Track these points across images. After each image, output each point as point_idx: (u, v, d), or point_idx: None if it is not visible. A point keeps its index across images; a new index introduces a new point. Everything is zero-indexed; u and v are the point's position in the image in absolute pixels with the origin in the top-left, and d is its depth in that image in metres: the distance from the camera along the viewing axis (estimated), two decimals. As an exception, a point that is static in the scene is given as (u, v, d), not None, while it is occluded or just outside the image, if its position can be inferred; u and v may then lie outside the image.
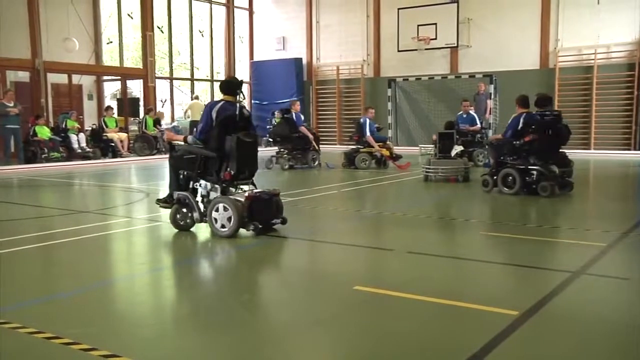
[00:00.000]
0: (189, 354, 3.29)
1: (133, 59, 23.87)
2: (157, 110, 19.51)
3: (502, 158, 9.12)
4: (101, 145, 16.66)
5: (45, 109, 16.98)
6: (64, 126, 16.29)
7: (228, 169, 6.22)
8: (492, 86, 16.83)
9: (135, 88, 21.01)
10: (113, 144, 16.73)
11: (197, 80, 23.08)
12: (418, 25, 19.13)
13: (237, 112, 6.34)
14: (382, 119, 20.24)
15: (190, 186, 6.46)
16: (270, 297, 4.46)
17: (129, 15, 21.12)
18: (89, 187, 11.67)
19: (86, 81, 20.00)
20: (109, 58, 21.76)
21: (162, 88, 21.50)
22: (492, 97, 16.74)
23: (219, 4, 22.89)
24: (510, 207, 8.30)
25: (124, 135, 17.32)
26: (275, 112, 21.47)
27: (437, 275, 4.93)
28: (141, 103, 19.95)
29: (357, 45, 21.34)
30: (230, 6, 23.10)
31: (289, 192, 9.46)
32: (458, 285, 4.61)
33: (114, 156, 16.50)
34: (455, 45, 18.87)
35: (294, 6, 22.53)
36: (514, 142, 8.94)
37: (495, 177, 9.09)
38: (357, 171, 12.97)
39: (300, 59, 22.45)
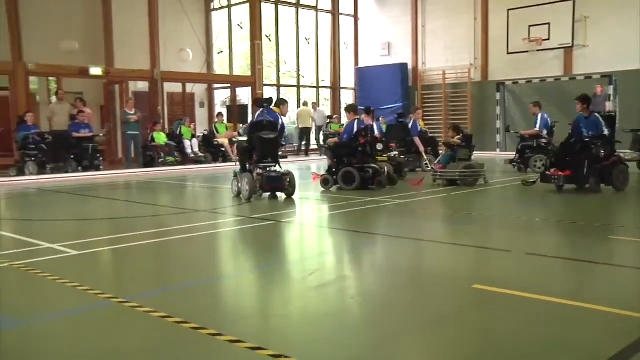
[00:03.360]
0: (306, 348, 3.28)
1: (241, 69, 24.72)
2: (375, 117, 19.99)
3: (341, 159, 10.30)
4: (212, 150, 17.34)
5: (162, 116, 17.93)
6: (178, 132, 17.11)
7: (254, 156, 9.20)
8: (611, 87, 15.82)
9: (244, 95, 21.73)
10: (223, 149, 17.36)
11: (302, 87, 23.49)
12: (529, 26, 18.39)
13: (264, 119, 9.28)
14: (491, 124, 19.65)
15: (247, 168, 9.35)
16: (388, 295, 4.38)
17: (238, 25, 21.93)
18: (201, 188, 12.15)
19: (198, 90, 20.96)
20: (219, 67, 22.67)
21: (269, 95, 22.06)
22: (612, 98, 15.72)
23: (325, 11, 23.22)
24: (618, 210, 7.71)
25: (233, 141, 17.94)
26: (380, 118, 21.53)
27: (561, 277, 4.64)
28: (249, 110, 20.58)
29: (464, 48, 20.84)
30: (335, 13, 23.37)
31: (396, 196, 9.37)
32: (585, 288, 4.31)
33: (225, 160, 17.10)
34: (570, 45, 17.94)
35: (399, 11, 22.40)
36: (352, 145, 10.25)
37: (335, 176, 10.23)
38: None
39: (406, 64, 22.27)
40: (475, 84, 20.68)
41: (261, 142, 9.11)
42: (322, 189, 10.26)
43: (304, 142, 20.56)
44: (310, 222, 7.70)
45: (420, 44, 22.08)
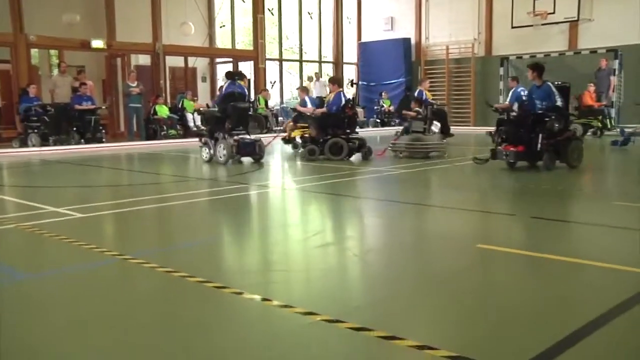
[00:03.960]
0: (310, 301, 3.31)
1: (243, 44, 24.53)
2: (266, 91, 19.94)
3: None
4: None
5: (164, 91, 17.85)
6: (180, 105, 17.06)
7: (227, 124, 9.87)
8: (616, 62, 15.71)
9: (246, 70, 21.60)
10: (226, 123, 17.27)
11: (305, 61, 23.34)
12: (534, 0, 18.19)
13: (234, 90, 10.00)
14: (494, 99, 19.52)
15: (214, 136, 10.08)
16: (396, 254, 4.40)
17: (241, -1, 21.72)
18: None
19: (200, 64, 20.83)
20: (221, 42, 22.50)
21: (271, 70, 21.94)
22: (617, 73, 15.62)
23: (328, -15, 22.99)
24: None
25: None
26: (383, 93, 21.45)
27: (566, 238, 4.66)
28: (252, 84, 20.47)
29: (468, 23, 20.64)
30: (338, -13, 23.13)
31: (406, 165, 9.38)
32: (591, 247, 4.33)
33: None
34: (576, 19, 17.75)
35: (402, -15, 22.17)
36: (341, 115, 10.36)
37: (321, 147, 10.24)
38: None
39: (409, 39, 22.08)
40: (479, 59, 20.52)
41: (235, 111, 9.91)
42: (309, 158, 10.30)
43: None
44: (314, 189, 7.71)
45: (424, 18, 21.86)
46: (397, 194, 7.22)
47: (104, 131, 15.04)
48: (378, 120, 20.84)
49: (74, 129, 14.32)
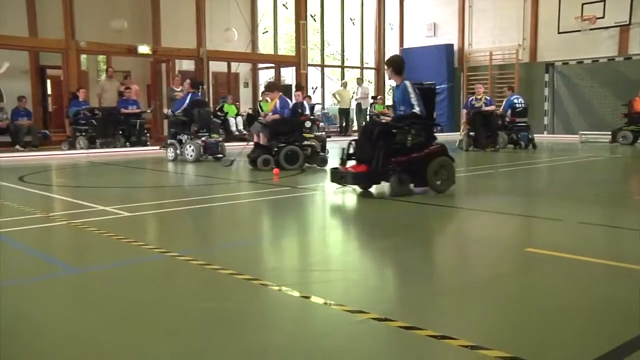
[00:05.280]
0: (354, 298, 3.28)
1: (285, 50, 24.73)
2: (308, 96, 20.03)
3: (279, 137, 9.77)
4: (256, 129, 17.40)
5: (207, 95, 18.11)
6: (222, 110, 17.26)
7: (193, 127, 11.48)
8: (669, 67, 15.23)
9: (288, 76, 21.75)
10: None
11: (347, 67, 23.37)
12: (583, 4, 17.78)
13: (199, 98, 11.75)
14: (539, 106, 19.19)
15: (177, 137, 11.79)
16: (442, 257, 4.34)
17: (284, 5, 21.92)
18: (244, 163, 12.23)
19: (242, 70, 21.07)
20: (263, 48, 22.73)
21: (313, 76, 22.05)
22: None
23: (370, -9, 23.00)
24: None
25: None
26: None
27: (618, 243, 4.51)
28: (293, 90, 20.58)
29: (513, 29, 20.33)
30: (381, -7, 23.11)
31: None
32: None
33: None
34: (628, 23, 17.26)
35: (445, -9, 22.01)
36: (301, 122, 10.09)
37: (275, 156, 9.62)
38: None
39: (452, 45, 21.88)
40: (523, 65, 20.17)
41: (201, 115, 11.58)
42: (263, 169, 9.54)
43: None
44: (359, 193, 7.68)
45: (467, 24, 21.64)
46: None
47: (148, 134, 15.33)
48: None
49: (120, 132, 14.65)
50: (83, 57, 16.95)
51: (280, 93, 10.57)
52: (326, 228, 5.52)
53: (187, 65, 19.08)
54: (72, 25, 15.59)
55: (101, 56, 18.45)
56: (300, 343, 2.59)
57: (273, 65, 21.05)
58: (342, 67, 23.12)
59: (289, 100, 10.35)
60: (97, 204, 6.25)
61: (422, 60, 22.24)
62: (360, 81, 21.29)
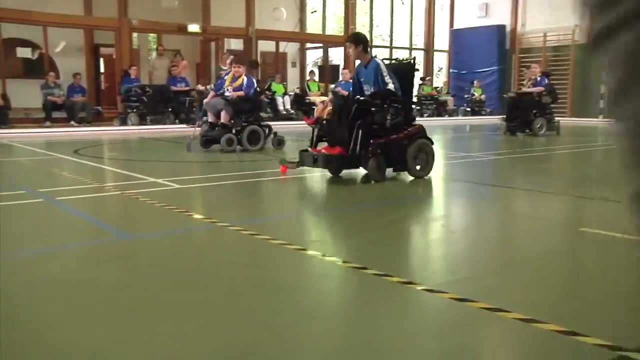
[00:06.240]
0: (403, 270, 3.26)
1: (334, 30, 24.59)
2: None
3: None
4: (303, 109, 17.43)
5: (256, 74, 18.18)
6: (269, 89, 17.34)
7: None
8: None
9: (336, 56, 21.65)
10: (314, 107, 17.39)
11: (395, 48, 23.11)
12: (644, -17, 17.04)
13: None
14: (593, 89, 18.57)
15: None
16: (496, 234, 4.28)
17: (333, -16, 21.75)
18: (291, 142, 12.28)
19: (290, 50, 21.07)
20: (311, 28, 22.65)
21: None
22: None
23: (421, -29, 22.60)
24: None
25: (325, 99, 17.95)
26: (474, 82, 20.87)
27: None
28: (340, 70, 20.49)
29: (569, 9, 19.51)
30: (432, -27, 22.69)
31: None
32: None
33: (316, 118, 17.13)
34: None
35: (499, -30, 21.44)
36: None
37: (238, 135, 9.04)
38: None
39: (504, 25, 21.37)
40: (580, 46, 19.52)
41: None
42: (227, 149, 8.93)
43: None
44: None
45: (521, 4, 21.06)
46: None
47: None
48: (468, 109, 20.35)
49: (169, 109, 14.90)
50: (135, 35, 17.26)
51: (247, 71, 9.69)
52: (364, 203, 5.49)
53: (235, 44, 19.19)
54: (125, 4, 15.88)
55: (152, 35, 18.75)
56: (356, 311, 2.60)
57: (321, 45, 20.98)
58: (391, 47, 22.87)
59: (254, 81, 9.60)
60: (149, 176, 6.39)
61: (473, 41, 21.85)
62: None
